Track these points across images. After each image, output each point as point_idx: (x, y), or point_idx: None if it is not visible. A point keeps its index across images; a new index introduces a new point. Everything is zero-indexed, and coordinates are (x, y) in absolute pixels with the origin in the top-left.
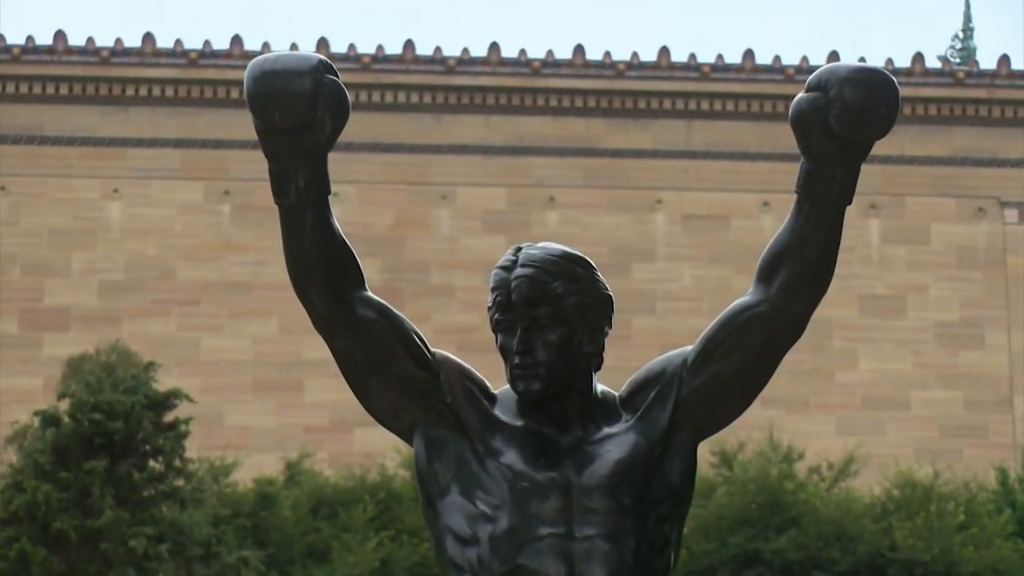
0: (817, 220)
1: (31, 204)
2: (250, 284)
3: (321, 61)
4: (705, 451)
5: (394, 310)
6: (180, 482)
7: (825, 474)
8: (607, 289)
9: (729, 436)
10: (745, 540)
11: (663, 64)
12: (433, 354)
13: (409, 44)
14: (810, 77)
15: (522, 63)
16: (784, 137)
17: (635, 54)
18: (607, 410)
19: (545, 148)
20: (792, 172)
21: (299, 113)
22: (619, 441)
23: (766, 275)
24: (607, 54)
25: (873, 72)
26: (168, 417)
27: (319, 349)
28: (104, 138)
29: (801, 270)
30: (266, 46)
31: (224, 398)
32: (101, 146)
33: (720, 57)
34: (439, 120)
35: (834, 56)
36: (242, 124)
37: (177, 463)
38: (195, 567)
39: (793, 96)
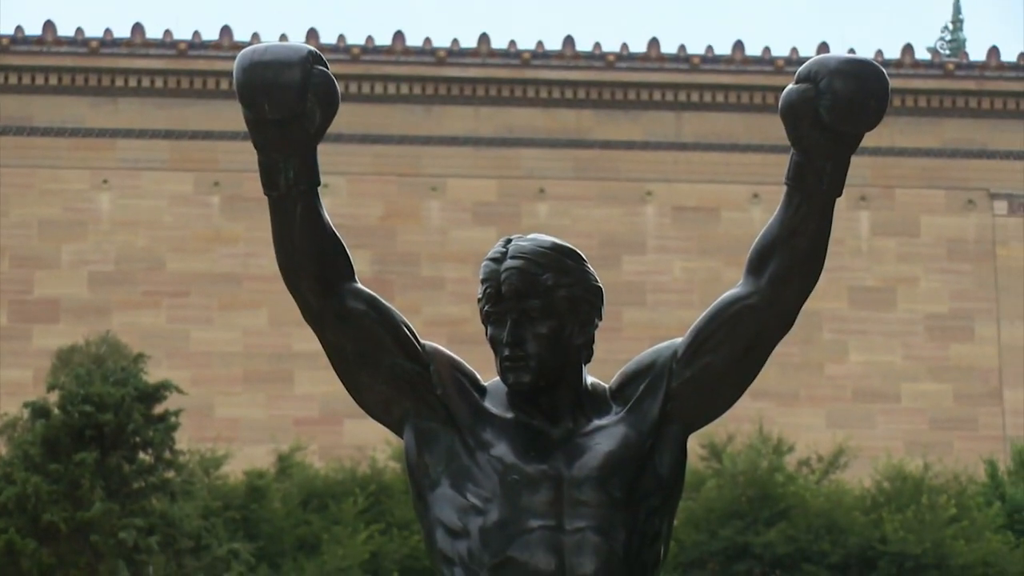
0: (807, 212)
1: (20, 195)
2: (240, 276)
3: (311, 52)
4: (695, 443)
5: (384, 302)
6: (170, 474)
7: (815, 466)
8: (597, 281)
9: (719, 428)
10: (735, 532)
11: (653, 55)
12: (423, 346)
13: (399, 35)
14: (800, 68)
15: (512, 54)
16: (774, 129)
17: (625, 45)
18: (597, 402)
19: (535, 140)
20: (782, 164)
21: (289, 104)
22: (609, 433)
23: (756, 267)
24: (597, 45)
25: (863, 63)
26: (158, 409)
27: (309, 341)
28: (93, 129)
29: (791, 262)
30: (255, 37)
31: (214, 390)
32: (90, 137)
33: (710, 48)
34: (429, 111)
35: (824, 47)
36: (232, 115)
37: (167, 455)
38: (185, 559)
39: (783, 87)
